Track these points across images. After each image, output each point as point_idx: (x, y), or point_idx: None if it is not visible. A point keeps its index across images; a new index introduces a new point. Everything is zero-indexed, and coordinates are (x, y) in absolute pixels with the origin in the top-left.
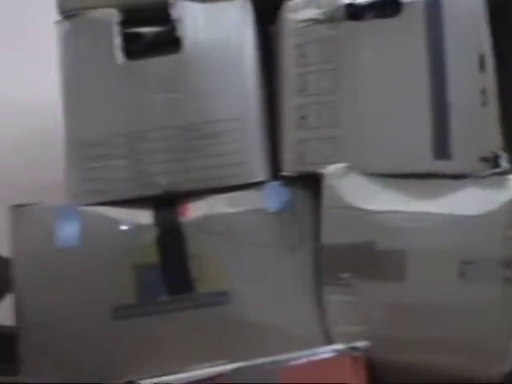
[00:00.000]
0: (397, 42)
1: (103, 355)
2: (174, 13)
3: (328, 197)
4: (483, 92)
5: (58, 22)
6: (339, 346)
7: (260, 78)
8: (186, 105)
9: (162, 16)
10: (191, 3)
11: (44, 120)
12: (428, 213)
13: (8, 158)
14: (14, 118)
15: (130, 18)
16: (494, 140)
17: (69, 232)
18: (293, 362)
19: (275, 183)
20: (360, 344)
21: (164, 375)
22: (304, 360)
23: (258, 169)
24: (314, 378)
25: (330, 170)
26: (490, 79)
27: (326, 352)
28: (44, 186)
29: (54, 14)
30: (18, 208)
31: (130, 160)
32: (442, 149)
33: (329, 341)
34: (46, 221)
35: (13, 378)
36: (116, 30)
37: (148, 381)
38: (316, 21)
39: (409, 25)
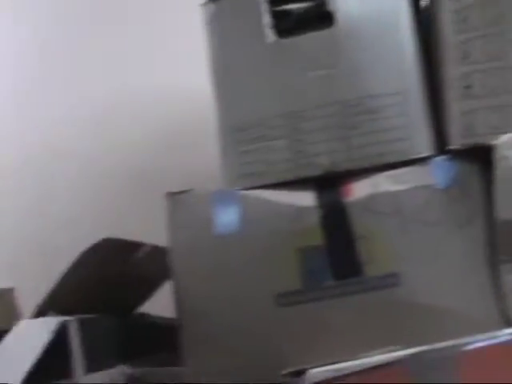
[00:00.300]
0: None
1: (268, 344)
2: None
3: (501, 168)
4: None
5: (204, 5)
6: None
7: (418, 49)
8: (342, 81)
9: None
10: None
11: (193, 108)
12: None
13: (161, 147)
14: (164, 107)
15: None
16: None
17: (228, 218)
18: (471, 347)
19: (441, 158)
20: None
21: (332, 363)
22: (483, 344)
23: (423, 144)
24: (494, 363)
25: (502, 140)
26: None
27: (505, 335)
28: (197, 174)
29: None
30: (174, 195)
31: (289, 140)
32: None
33: (507, 323)
34: (203, 207)
35: (173, 368)
36: (264, 8)
37: (317, 370)
38: None
39: None
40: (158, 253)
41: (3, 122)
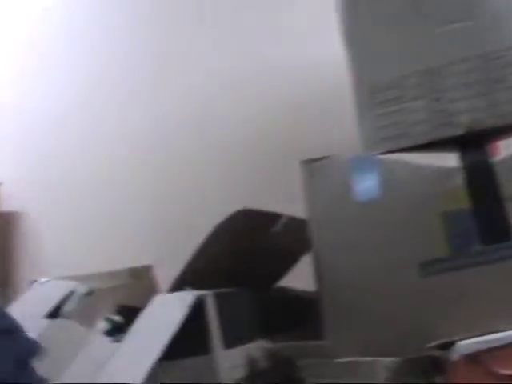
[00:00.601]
0: None
1: (412, 315)
2: None
3: None
4: None
5: None
6: None
7: None
8: (483, 32)
9: None
10: None
11: (328, 74)
12: None
13: (296, 115)
14: (300, 75)
15: None
16: None
17: (367, 184)
18: None
19: None
20: None
21: (483, 334)
22: None
23: None
24: None
25: None
26: None
27: None
28: (333, 141)
29: None
30: (310, 163)
31: (427, 100)
32: None
33: None
34: (341, 174)
35: (314, 343)
36: None
37: (466, 341)
38: None
39: None
40: (296, 224)
41: (140, 100)
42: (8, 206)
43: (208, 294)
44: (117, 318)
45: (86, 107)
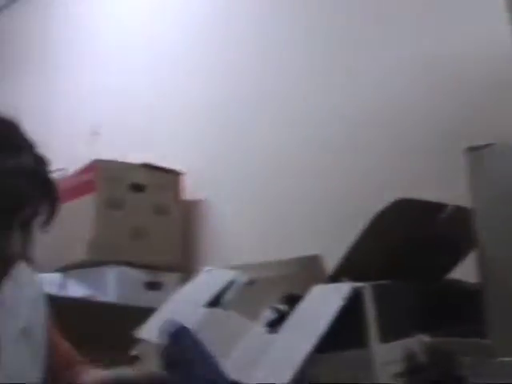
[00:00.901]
0: None
1: None
2: None
3: None
4: None
5: None
6: None
7: None
8: None
9: None
10: None
11: (496, 60)
12: None
13: (460, 98)
14: (464, 62)
15: None
16: None
17: None
18: None
19: None
20: None
21: None
22: None
23: None
24: None
25: None
26: None
27: None
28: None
29: None
30: (474, 151)
31: None
32: None
33: None
34: (507, 162)
35: (477, 340)
36: None
37: None
38: None
39: None
40: (463, 214)
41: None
42: (192, 195)
43: (365, 286)
44: (283, 307)
45: (263, 101)
